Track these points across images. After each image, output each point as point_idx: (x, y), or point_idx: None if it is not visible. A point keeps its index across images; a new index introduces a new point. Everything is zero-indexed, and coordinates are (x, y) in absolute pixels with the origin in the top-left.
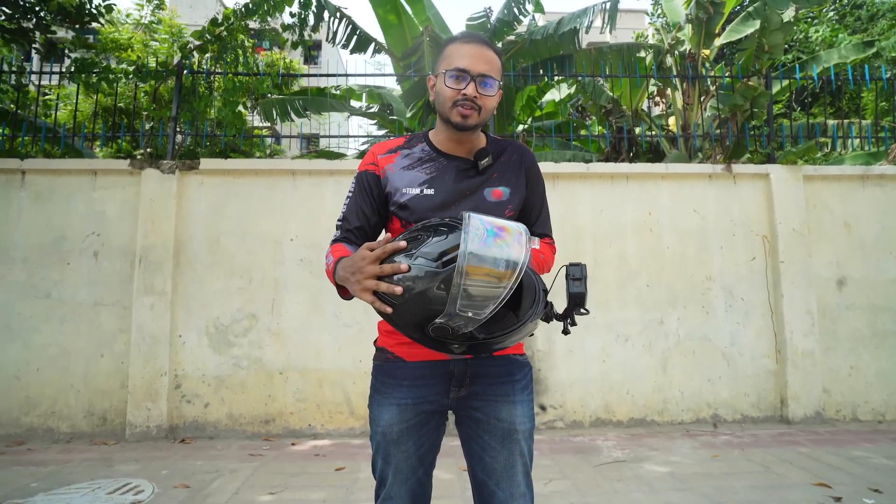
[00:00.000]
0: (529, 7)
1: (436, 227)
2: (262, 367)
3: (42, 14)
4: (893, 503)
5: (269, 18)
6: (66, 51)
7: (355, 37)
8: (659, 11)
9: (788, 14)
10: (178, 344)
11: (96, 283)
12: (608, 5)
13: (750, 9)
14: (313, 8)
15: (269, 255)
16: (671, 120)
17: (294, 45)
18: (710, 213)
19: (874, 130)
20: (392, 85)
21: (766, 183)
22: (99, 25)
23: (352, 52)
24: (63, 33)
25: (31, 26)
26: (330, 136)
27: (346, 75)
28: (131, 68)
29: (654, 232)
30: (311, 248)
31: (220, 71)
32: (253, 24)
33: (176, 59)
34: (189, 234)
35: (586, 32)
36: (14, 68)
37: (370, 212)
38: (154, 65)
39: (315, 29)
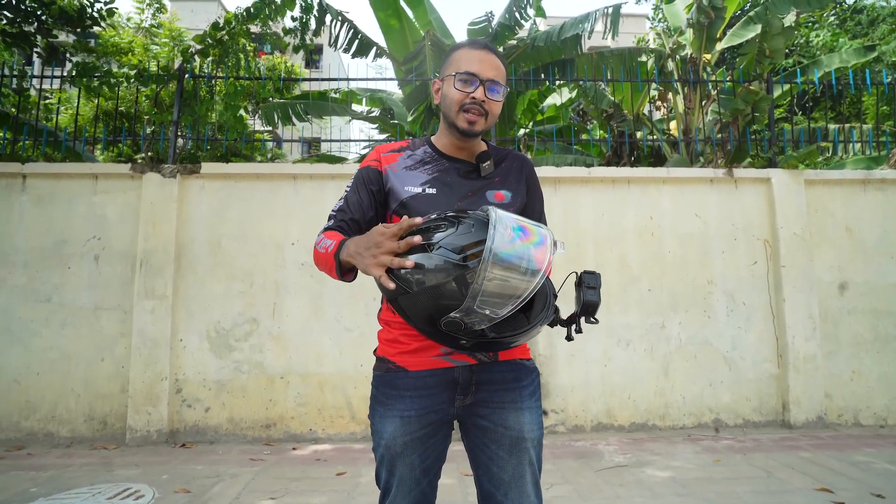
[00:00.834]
0: (531, 12)
1: (458, 219)
2: (263, 371)
3: (43, 18)
4: None
5: (270, 22)
6: (68, 55)
7: (357, 41)
8: (660, 16)
9: (789, 18)
10: (179, 348)
11: (97, 287)
12: (610, 10)
13: (751, 13)
14: (315, 12)
15: (270, 259)
16: (672, 124)
17: (296, 49)
18: (712, 217)
19: (875, 135)
20: (393, 89)
21: (767, 187)
22: (100, 29)
23: (353, 56)
24: (64, 37)
25: (33, 30)
26: (331, 140)
27: (348, 79)
28: (132, 72)
29: (655, 236)
30: (312, 252)
31: (221, 75)
32: (254, 28)
33: (177, 63)
34: (190, 237)
35: (588, 37)
36: (15, 72)
37: (367, 206)
38: (155, 69)
39: (317, 33)
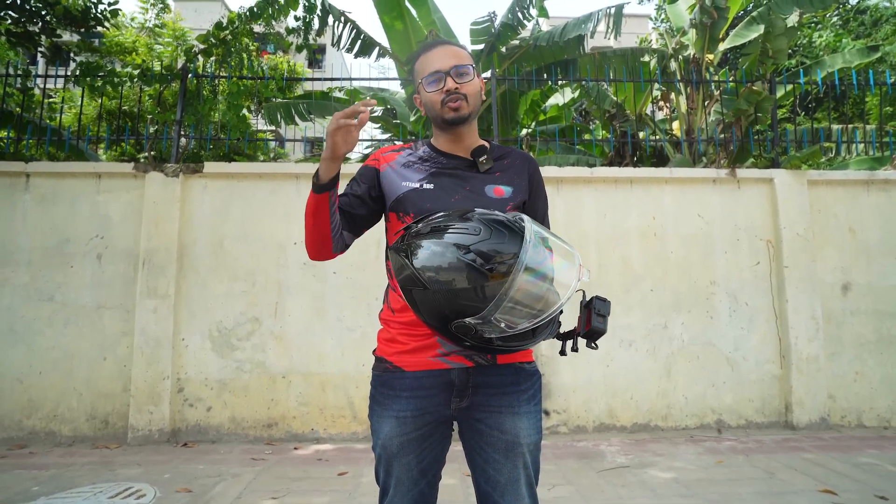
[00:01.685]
0: (533, 11)
1: (490, 222)
2: (264, 370)
3: (48, 18)
4: None
5: (273, 22)
6: (72, 54)
7: (359, 41)
8: (663, 16)
9: (792, 19)
10: (181, 347)
11: (100, 286)
12: (613, 10)
13: (754, 13)
14: (318, 12)
15: (272, 259)
16: (675, 124)
17: (298, 49)
18: (715, 217)
19: (878, 135)
20: (396, 88)
21: (770, 188)
22: (104, 29)
23: (356, 55)
24: (68, 37)
25: (37, 30)
26: None
27: (350, 79)
28: (136, 72)
29: (658, 237)
30: None
31: (224, 74)
32: (257, 28)
33: (181, 63)
34: (192, 237)
35: (591, 37)
36: (20, 72)
37: (359, 200)
38: (159, 68)
39: (319, 33)
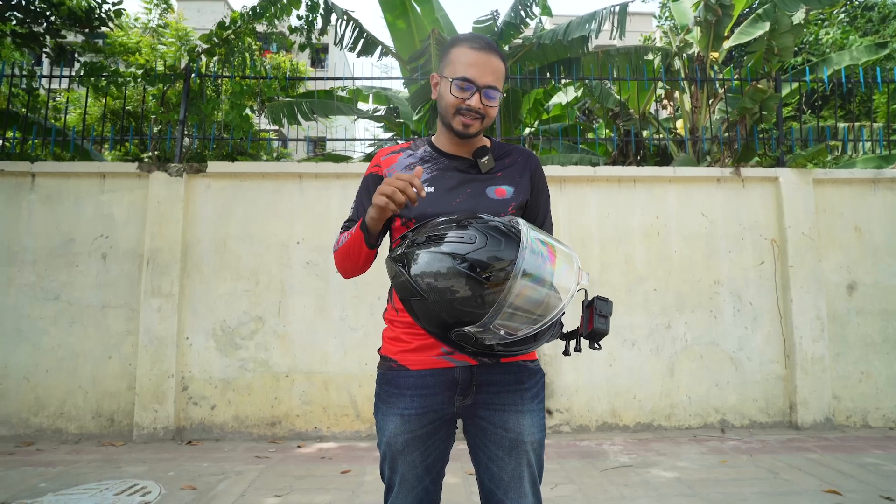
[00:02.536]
0: (536, 10)
1: (486, 229)
2: (268, 369)
3: (52, 19)
4: None
5: (276, 21)
6: (76, 55)
7: (362, 40)
8: (667, 14)
9: (798, 16)
10: (185, 346)
11: (104, 286)
12: (617, 9)
13: (759, 11)
14: (320, 11)
15: (275, 258)
16: (679, 123)
17: (301, 48)
18: (719, 216)
19: (886, 133)
20: (399, 87)
21: (775, 186)
22: (108, 29)
23: (359, 55)
24: (73, 37)
25: (42, 31)
26: (336, 140)
27: (353, 78)
28: (140, 72)
29: (661, 236)
30: (317, 251)
31: (227, 74)
32: (260, 28)
33: (184, 63)
34: (196, 236)
35: (595, 37)
36: (25, 72)
37: None
38: (162, 68)
39: (322, 32)
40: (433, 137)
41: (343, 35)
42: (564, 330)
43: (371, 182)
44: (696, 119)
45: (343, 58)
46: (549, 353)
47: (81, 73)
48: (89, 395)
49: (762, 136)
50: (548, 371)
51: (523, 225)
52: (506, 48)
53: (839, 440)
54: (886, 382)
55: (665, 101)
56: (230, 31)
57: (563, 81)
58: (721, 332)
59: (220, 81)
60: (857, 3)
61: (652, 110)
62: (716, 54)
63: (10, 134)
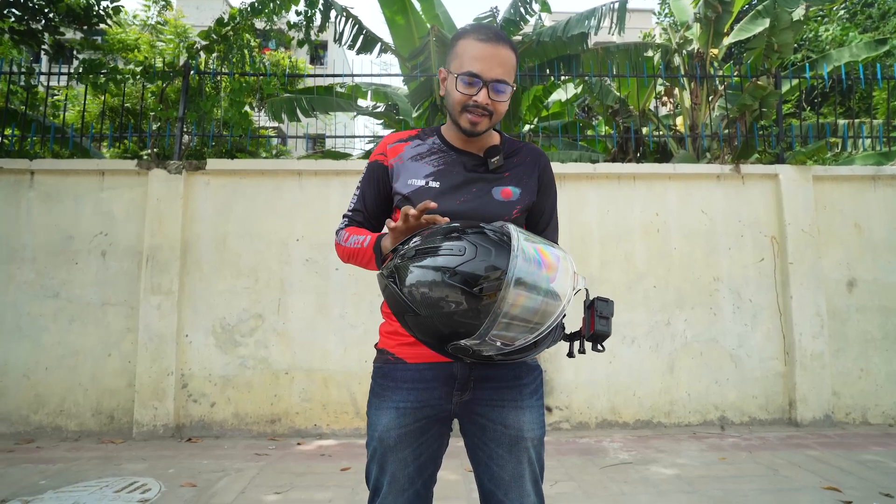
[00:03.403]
0: (536, 7)
1: (476, 239)
2: (267, 367)
3: (51, 16)
4: None
5: (274, 18)
6: (75, 52)
7: (361, 36)
8: (666, 10)
9: (798, 13)
10: (185, 343)
11: (104, 283)
12: (616, 6)
13: (759, 7)
14: (319, 7)
15: (275, 256)
16: (679, 120)
17: (300, 44)
18: (718, 213)
19: (885, 130)
20: (398, 84)
21: (775, 183)
22: (106, 27)
23: (358, 52)
24: (71, 35)
25: (40, 28)
26: (336, 137)
27: (352, 75)
28: (138, 69)
29: (661, 233)
30: (317, 248)
31: (226, 71)
32: (259, 24)
33: (182, 60)
34: (196, 234)
35: (595, 34)
36: (23, 69)
37: (376, 202)
38: (161, 65)
39: (321, 28)
40: (443, 128)
41: (342, 32)
42: (567, 331)
43: (375, 170)
44: (696, 116)
45: (342, 55)
46: (548, 351)
47: (80, 71)
48: (89, 392)
49: (762, 132)
50: (547, 368)
51: (514, 231)
52: None
53: (839, 437)
54: (886, 379)
55: (665, 98)
56: (229, 28)
57: (562, 78)
58: (721, 329)
59: (219, 78)
60: None
61: (652, 107)
62: (715, 51)
63: (8, 131)
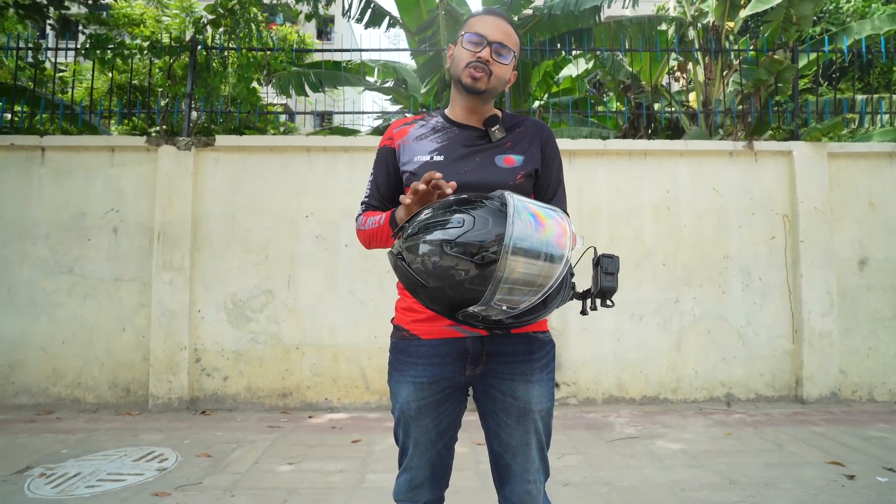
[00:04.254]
0: None
1: (473, 208)
2: (278, 342)
3: None
4: None
5: None
6: (80, 27)
7: (369, 10)
8: None
9: None
10: (197, 319)
11: (116, 259)
12: None
13: None
14: None
15: (284, 232)
16: (692, 95)
17: (308, 18)
18: (730, 191)
19: None
20: (406, 60)
21: (788, 161)
22: (112, 0)
23: (366, 26)
24: (76, 9)
25: (45, 2)
26: (344, 113)
27: (360, 50)
28: (145, 44)
29: (671, 210)
30: (326, 224)
31: (233, 46)
32: None
33: (189, 35)
34: (206, 210)
35: (608, 7)
36: (30, 45)
37: (390, 186)
38: (168, 40)
39: (329, 2)
40: (446, 109)
41: (350, 5)
42: (579, 290)
43: (384, 155)
44: (710, 91)
45: (350, 29)
46: (556, 327)
47: (87, 46)
48: (105, 366)
49: (777, 108)
50: (555, 344)
51: (510, 197)
52: (516, 18)
53: (844, 414)
54: (894, 357)
55: (678, 73)
56: (235, 2)
57: (573, 53)
58: (729, 307)
59: (226, 53)
60: None
61: (664, 82)
62: (731, 24)
63: (17, 108)
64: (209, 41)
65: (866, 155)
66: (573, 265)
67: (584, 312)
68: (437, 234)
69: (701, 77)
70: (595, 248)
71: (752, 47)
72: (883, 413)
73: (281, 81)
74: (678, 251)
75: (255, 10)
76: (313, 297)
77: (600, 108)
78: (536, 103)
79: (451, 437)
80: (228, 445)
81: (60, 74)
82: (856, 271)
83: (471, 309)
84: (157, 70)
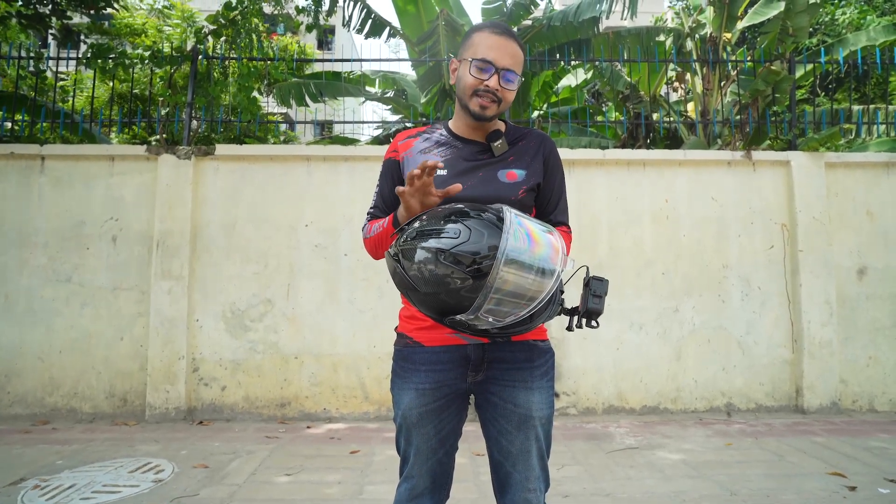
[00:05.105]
0: None
1: (472, 221)
2: (277, 351)
3: (58, 0)
4: None
5: (282, 1)
6: (82, 36)
7: (370, 21)
8: None
9: None
10: (196, 328)
11: (115, 268)
12: None
13: None
14: None
15: (284, 241)
16: (690, 106)
17: (308, 29)
18: (729, 200)
19: None
20: (407, 70)
21: (786, 170)
22: (113, 11)
23: (366, 36)
24: (78, 19)
25: (48, 12)
26: (344, 122)
27: (361, 60)
28: (147, 54)
29: (670, 219)
30: (325, 233)
31: (234, 56)
32: (267, 8)
33: (190, 45)
34: (205, 219)
35: (606, 18)
36: (32, 54)
37: (392, 195)
38: (169, 50)
39: (330, 13)
40: (450, 122)
41: (350, 16)
42: (567, 306)
43: (389, 167)
44: (708, 101)
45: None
46: (556, 336)
47: (89, 56)
48: (102, 375)
49: (774, 119)
50: (555, 354)
51: (507, 212)
52: (515, 29)
53: (845, 424)
54: (894, 367)
55: (676, 84)
56: (237, 12)
57: (572, 63)
58: (729, 316)
59: (227, 63)
60: None
61: (662, 93)
62: (729, 35)
63: (18, 116)
64: (210, 51)
65: (863, 165)
66: (563, 282)
67: (569, 329)
68: (433, 243)
69: (699, 87)
70: (588, 268)
71: (749, 58)
72: (883, 423)
73: (281, 92)
74: (677, 260)
75: (256, 20)
76: (312, 306)
77: (599, 118)
78: (535, 113)
79: (451, 445)
80: (225, 456)
81: (61, 83)
82: (855, 280)
83: (458, 317)
84: (157, 79)
